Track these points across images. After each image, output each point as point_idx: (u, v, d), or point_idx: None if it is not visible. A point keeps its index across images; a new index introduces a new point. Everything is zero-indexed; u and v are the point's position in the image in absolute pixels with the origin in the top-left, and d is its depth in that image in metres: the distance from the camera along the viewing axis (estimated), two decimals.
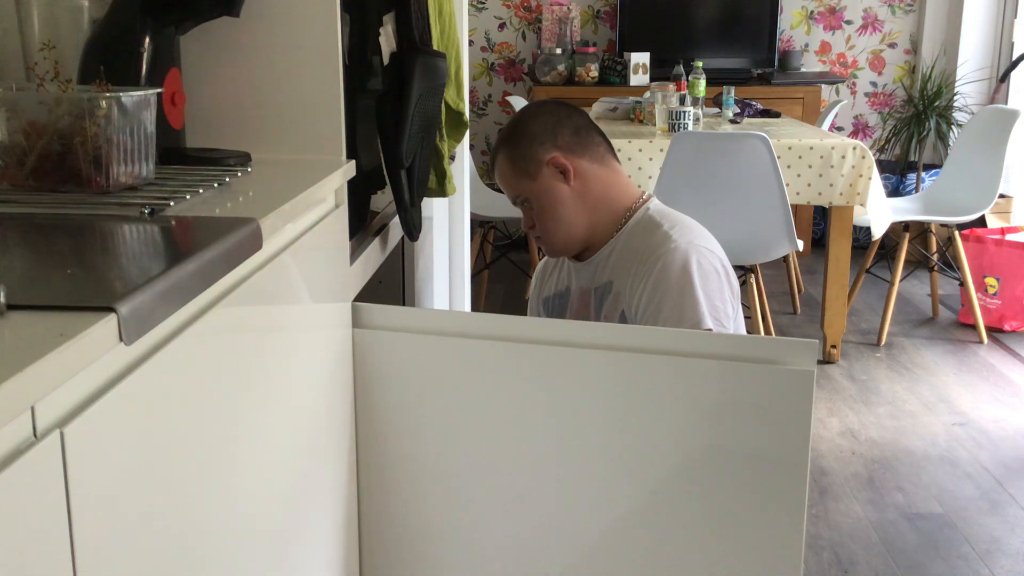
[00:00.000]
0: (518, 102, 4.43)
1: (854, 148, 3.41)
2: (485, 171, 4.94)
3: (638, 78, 5.00)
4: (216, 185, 1.14)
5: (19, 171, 1.03)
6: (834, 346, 3.63)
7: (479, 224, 4.15)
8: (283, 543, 1.14)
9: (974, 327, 3.91)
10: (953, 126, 4.94)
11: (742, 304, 1.78)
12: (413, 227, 1.65)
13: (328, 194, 1.33)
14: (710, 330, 1.60)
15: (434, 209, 2.17)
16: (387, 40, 1.52)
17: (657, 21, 5.26)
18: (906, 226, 3.90)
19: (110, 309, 0.65)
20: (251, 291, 0.99)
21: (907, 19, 5.38)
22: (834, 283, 3.57)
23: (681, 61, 4.46)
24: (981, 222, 4.44)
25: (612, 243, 1.76)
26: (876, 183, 3.45)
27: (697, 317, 1.61)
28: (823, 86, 5.21)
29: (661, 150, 3.32)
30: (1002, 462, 2.82)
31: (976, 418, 3.14)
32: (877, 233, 3.50)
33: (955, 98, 5.05)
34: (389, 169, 1.56)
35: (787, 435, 1.26)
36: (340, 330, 1.36)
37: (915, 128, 4.96)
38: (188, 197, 1.06)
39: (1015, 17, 5.16)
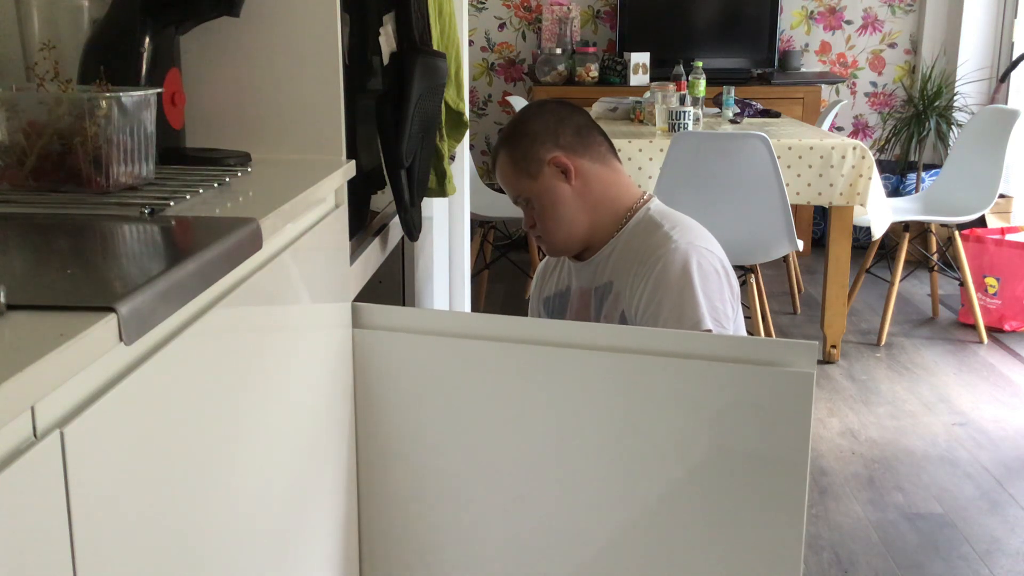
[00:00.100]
0: (518, 102, 4.43)
1: (854, 148, 3.41)
2: (485, 171, 4.94)
3: (638, 78, 5.00)
4: (216, 185, 1.14)
5: (19, 171, 1.03)
6: (834, 346, 3.63)
7: (479, 224, 4.15)
8: (283, 543, 1.14)
9: (974, 327, 3.91)
10: (953, 126, 4.94)
11: (742, 304, 1.78)
12: (413, 227, 1.65)
13: (328, 194, 1.33)
14: (710, 331, 1.60)
15: (434, 209, 2.17)
16: (387, 40, 1.52)
17: (657, 21, 5.26)
18: (906, 226, 3.90)
19: (110, 309, 0.65)
20: (251, 291, 0.99)
21: (907, 19, 5.38)
22: (834, 283, 3.57)
23: (681, 61, 4.46)
24: (981, 222, 4.44)
25: (612, 243, 1.76)
26: (876, 183, 3.45)
27: (697, 317, 1.61)
28: (823, 86, 5.21)
29: (661, 150, 3.32)
30: (1002, 462, 2.83)
31: (976, 418, 3.14)
32: (877, 233, 3.50)
33: (955, 98, 5.05)
34: (389, 169, 1.56)
35: (787, 436, 1.27)
36: (340, 330, 1.36)
37: (915, 128, 4.96)
38: (188, 197, 1.06)
39: (1015, 17, 5.16)
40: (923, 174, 5.01)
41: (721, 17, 5.30)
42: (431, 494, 1.43)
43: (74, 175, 1.02)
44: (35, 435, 0.61)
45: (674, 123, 3.61)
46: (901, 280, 4.01)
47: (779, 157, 3.18)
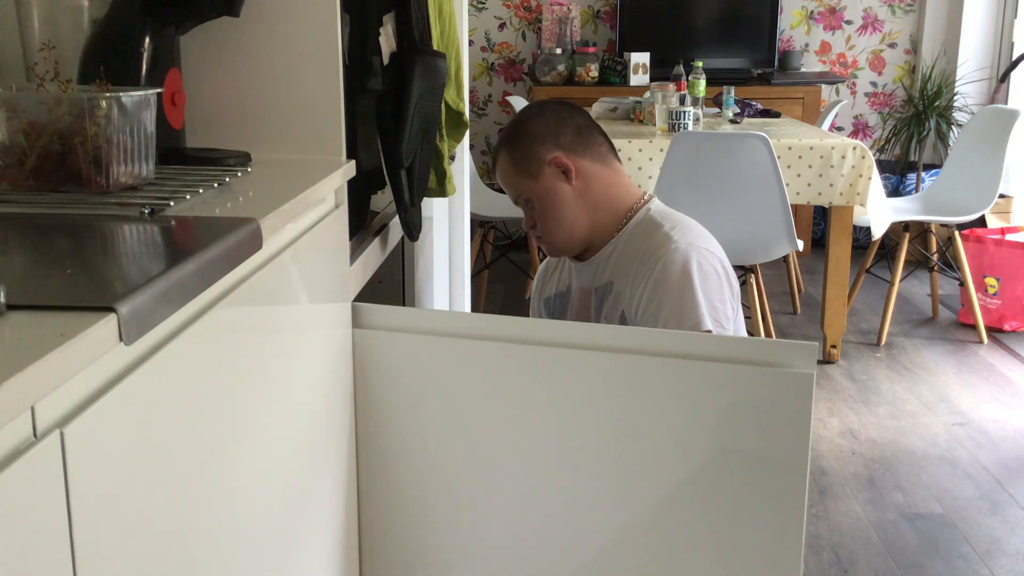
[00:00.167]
0: (518, 102, 4.43)
1: (854, 148, 3.41)
2: (485, 171, 4.94)
3: (638, 78, 5.00)
4: (216, 185, 1.14)
5: (19, 171, 1.03)
6: (834, 346, 3.63)
7: (479, 224, 4.15)
8: (283, 543, 1.14)
9: (974, 327, 3.91)
10: (953, 126, 4.94)
11: (742, 304, 1.78)
12: (413, 227, 1.65)
13: (328, 194, 1.33)
14: (710, 331, 1.60)
15: (434, 209, 2.17)
16: (387, 40, 1.52)
17: (657, 21, 5.26)
18: (906, 226, 3.90)
19: (110, 309, 0.65)
20: (251, 291, 0.99)
21: (907, 19, 5.38)
22: (834, 283, 3.57)
23: (681, 61, 4.46)
24: (981, 222, 4.44)
25: (613, 243, 1.76)
26: (876, 183, 3.45)
27: (697, 318, 1.61)
28: (823, 86, 5.21)
29: (661, 150, 3.32)
30: (1002, 462, 2.83)
31: (976, 418, 3.14)
32: (877, 233, 3.50)
33: (955, 98, 5.06)
34: (389, 169, 1.56)
35: (787, 436, 1.27)
36: (340, 330, 1.36)
37: (915, 128, 4.96)
38: (188, 197, 1.06)
39: (1015, 17, 5.16)
40: (923, 174, 5.01)
41: (721, 17, 5.30)
42: (431, 494, 1.43)
43: (74, 175, 1.02)
44: (35, 435, 0.61)
45: (674, 123, 3.61)
46: (901, 280, 4.01)
47: (779, 157, 3.18)
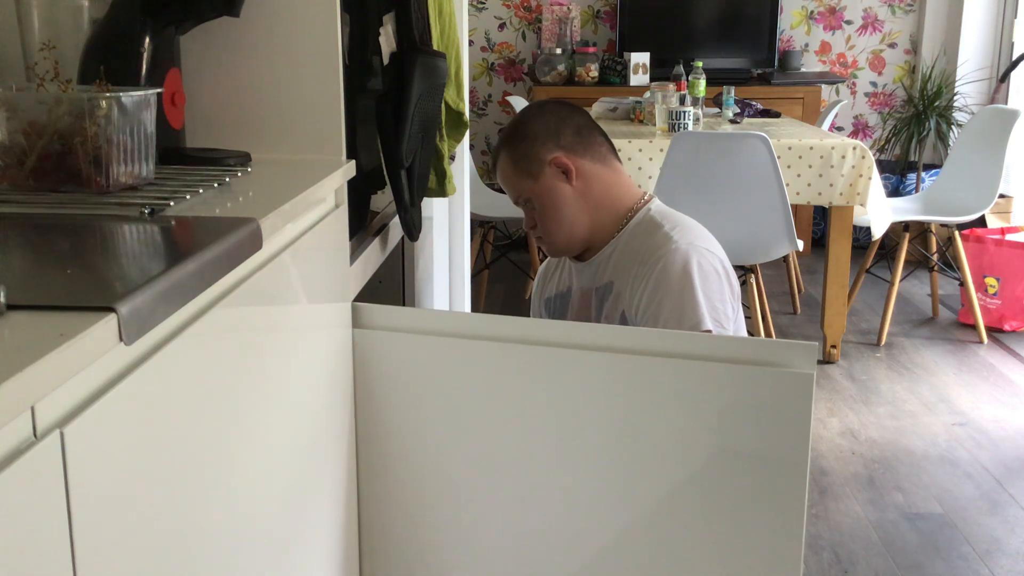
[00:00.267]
0: (518, 102, 4.43)
1: (854, 148, 3.41)
2: (485, 171, 4.94)
3: (638, 78, 5.00)
4: (216, 185, 1.14)
5: (19, 171, 1.02)
6: (834, 346, 3.63)
7: (479, 224, 4.15)
8: (283, 543, 1.14)
9: (974, 327, 3.91)
10: (953, 126, 4.94)
11: (742, 304, 1.78)
12: (413, 227, 1.65)
13: (328, 194, 1.33)
14: (710, 331, 1.60)
15: (434, 209, 2.17)
16: (387, 40, 1.52)
17: (657, 21, 5.26)
18: (906, 226, 3.90)
19: (110, 309, 0.65)
20: (251, 291, 0.99)
21: (907, 19, 5.38)
22: (834, 283, 3.57)
23: (681, 61, 4.46)
24: (981, 222, 4.44)
25: (613, 243, 1.76)
26: (876, 183, 3.45)
27: (697, 318, 1.61)
28: (823, 86, 5.21)
29: (661, 150, 3.32)
30: (1002, 462, 2.83)
31: (976, 418, 3.14)
32: (877, 233, 3.50)
33: (955, 98, 5.05)
34: (389, 169, 1.56)
35: (787, 437, 1.27)
36: (340, 330, 1.36)
37: (915, 128, 4.96)
38: (188, 197, 1.06)
39: (1015, 17, 5.16)
40: (923, 174, 5.01)
41: (721, 17, 5.30)
42: (431, 494, 1.43)
43: (74, 175, 1.02)
44: (35, 435, 0.61)
45: (674, 123, 3.61)
46: (901, 280, 4.01)
47: (779, 157, 3.18)
